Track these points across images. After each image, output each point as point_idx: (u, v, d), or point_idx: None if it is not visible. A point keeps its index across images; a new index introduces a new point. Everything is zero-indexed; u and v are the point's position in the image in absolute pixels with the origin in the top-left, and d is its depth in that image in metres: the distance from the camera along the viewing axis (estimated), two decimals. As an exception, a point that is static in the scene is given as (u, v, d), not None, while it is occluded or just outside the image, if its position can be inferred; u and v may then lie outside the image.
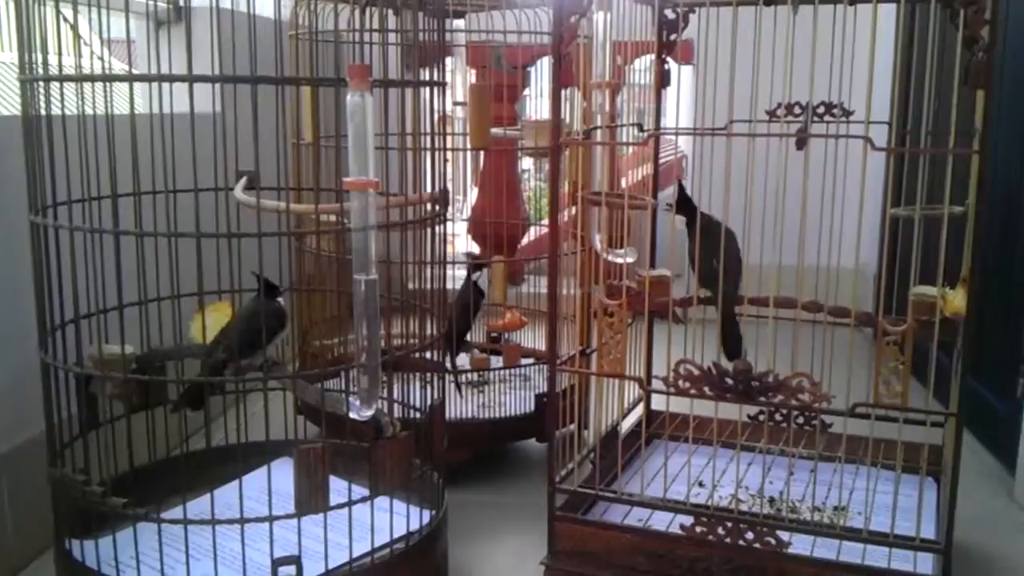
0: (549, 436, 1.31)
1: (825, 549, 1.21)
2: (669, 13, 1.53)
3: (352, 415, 1.15)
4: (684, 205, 1.38)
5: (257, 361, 1.22)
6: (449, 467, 1.37)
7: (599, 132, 1.48)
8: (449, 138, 1.85)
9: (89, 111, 1.09)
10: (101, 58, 1.27)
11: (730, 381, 1.16)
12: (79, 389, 1.19)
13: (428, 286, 1.30)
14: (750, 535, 1.19)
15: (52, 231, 1.13)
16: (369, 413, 1.15)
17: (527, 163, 3.34)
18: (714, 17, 1.36)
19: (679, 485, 1.38)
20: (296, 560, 1.07)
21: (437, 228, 1.29)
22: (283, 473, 1.15)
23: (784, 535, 1.18)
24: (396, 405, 1.37)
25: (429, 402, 1.28)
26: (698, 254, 1.29)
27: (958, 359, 1.20)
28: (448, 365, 1.78)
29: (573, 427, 1.41)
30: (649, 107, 1.61)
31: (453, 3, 1.79)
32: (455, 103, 2.04)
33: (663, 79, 1.59)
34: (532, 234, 3.04)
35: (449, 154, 1.70)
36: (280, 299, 1.29)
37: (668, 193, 2.10)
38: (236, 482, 1.12)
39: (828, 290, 1.41)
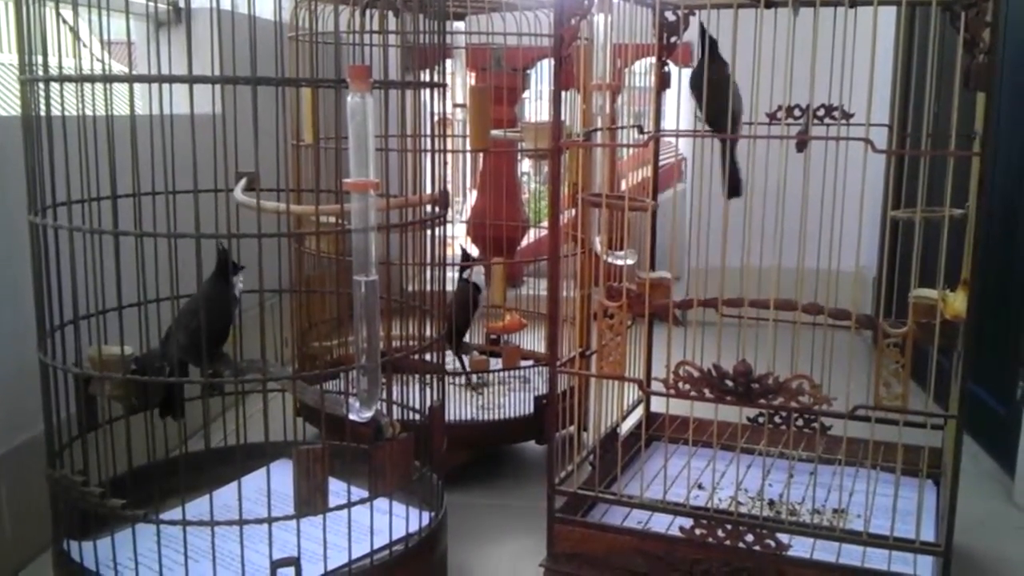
0: (549, 438, 1.31)
1: (825, 551, 1.21)
2: (669, 15, 1.53)
3: (352, 416, 1.15)
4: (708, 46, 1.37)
5: (214, 366, 1.17)
6: (448, 469, 1.36)
7: (599, 134, 1.48)
8: (449, 140, 1.85)
9: (89, 112, 1.08)
10: (101, 60, 1.27)
11: (730, 383, 1.16)
12: (78, 390, 1.19)
13: (428, 287, 1.30)
14: (750, 537, 1.18)
15: (52, 231, 1.12)
16: (368, 414, 1.15)
17: (526, 166, 3.34)
18: (714, 19, 1.36)
19: (679, 487, 1.38)
20: (295, 562, 1.07)
21: (437, 230, 1.29)
22: (282, 474, 1.14)
23: (784, 537, 1.18)
24: (395, 406, 1.37)
25: (428, 404, 1.28)
26: (706, 90, 1.27)
27: (958, 361, 1.20)
28: (452, 361, 1.77)
29: (573, 429, 1.41)
30: (649, 110, 1.61)
31: (453, 5, 1.79)
32: (455, 105, 2.04)
33: (663, 81, 1.59)
34: (531, 236, 3.05)
35: (449, 156, 1.70)
36: (238, 281, 1.21)
37: (667, 195, 2.10)
38: (235, 483, 1.12)
39: (828, 293, 1.41)
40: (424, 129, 1.28)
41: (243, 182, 1.21)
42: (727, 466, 1.46)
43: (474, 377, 1.90)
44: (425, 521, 1.24)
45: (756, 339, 1.28)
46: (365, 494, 1.14)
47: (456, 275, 1.85)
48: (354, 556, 1.13)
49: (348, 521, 1.11)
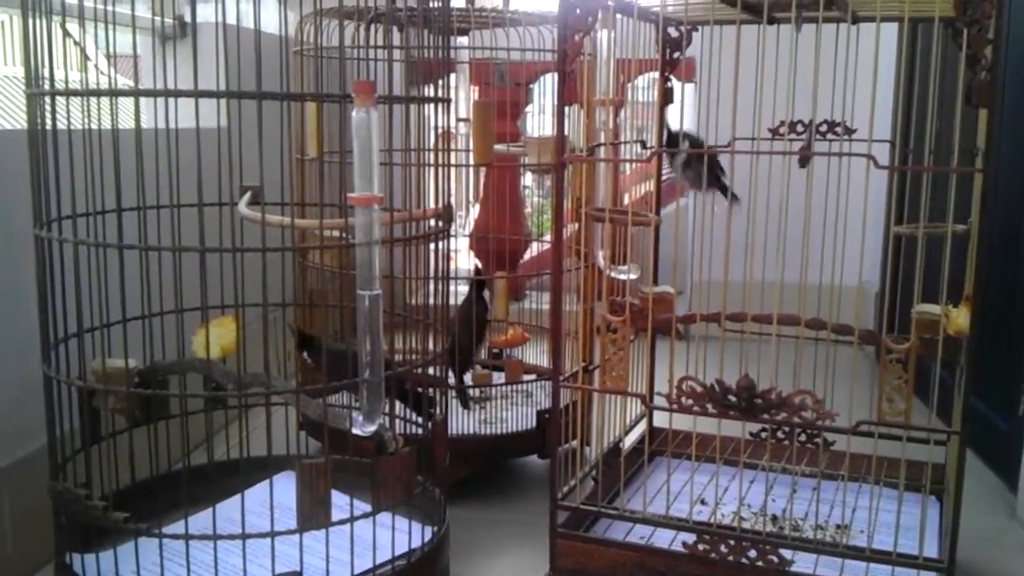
0: (551, 452, 1.31)
1: (828, 567, 1.21)
2: (672, 31, 1.54)
3: (354, 430, 1.15)
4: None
5: None
6: (451, 483, 1.36)
7: (602, 149, 1.49)
8: (452, 154, 1.86)
9: (95, 126, 1.09)
10: (107, 75, 1.27)
11: (733, 398, 1.16)
12: (81, 403, 1.19)
13: (431, 302, 1.30)
14: (753, 553, 1.18)
15: (57, 245, 1.13)
16: (371, 428, 1.15)
17: (528, 180, 3.35)
18: (717, 35, 1.36)
19: (681, 502, 1.38)
20: (298, 576, 1.07)
21: (440, 244, 1.29)
22: (285, 488, 1.14)
23: (787, 553, 1.18)
24: (398, 420, 1.37)
25: (431, 418, 1.28)
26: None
27: (961, 377, 1.20)
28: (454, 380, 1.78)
29: (575, 444, 1.41)
30: (651, 125, 1.61)
31: (457, 20, 1.80)
32: (458, 119, 2.05)
33: (666, 96, 1.60)
34: (534, 250, 3.05)
35: (452, 170, 1.70)
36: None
37: (670, 210, 2.11)
38: (238, 497, 1.12)
39: (831, 308, 1.41)
40: (428, 143, 1.29)
41: (247, 196, 1.22)
42: (730, 481, 1.46)
43: (477, 392, 1.90)
44: (427, 536, 1.24)
45: (759, 354, 1.28)
46: (368, 508, 1.14)
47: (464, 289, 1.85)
48: (357, 571, 1.13)
49: (351, 535, 1.11)
